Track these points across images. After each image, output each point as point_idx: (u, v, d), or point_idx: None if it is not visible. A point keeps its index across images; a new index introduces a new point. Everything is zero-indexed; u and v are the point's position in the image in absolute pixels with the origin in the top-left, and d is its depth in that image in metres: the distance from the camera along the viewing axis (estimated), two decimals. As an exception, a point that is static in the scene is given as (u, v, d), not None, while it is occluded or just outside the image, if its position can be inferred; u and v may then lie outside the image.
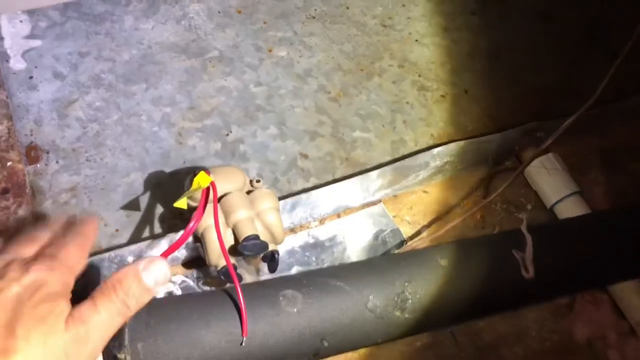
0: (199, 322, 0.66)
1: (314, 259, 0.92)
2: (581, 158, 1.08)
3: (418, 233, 0.95)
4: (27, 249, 0.50)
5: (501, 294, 0.77)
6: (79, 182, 0.94)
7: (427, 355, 0.87)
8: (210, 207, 0.76)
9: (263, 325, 0.67)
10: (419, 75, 1.13)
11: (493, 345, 0.90)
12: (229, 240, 0.79)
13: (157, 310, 0.66)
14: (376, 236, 0.95)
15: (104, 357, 0.62)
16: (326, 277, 0.73)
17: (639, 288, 0.91)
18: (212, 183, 0.76)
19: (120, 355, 0.62)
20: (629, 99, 1.11)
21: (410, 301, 0.72)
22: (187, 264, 0.89)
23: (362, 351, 0.86)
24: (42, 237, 0.52)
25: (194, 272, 0.88)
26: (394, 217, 0.98)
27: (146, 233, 0.89)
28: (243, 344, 0.65)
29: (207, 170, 0.78)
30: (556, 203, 0.98)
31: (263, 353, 0.67)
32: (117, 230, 0.90)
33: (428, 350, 0.88)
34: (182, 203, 0.76)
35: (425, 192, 1.01)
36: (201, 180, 0.76)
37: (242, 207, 0.79)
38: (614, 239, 0.84)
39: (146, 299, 0.51)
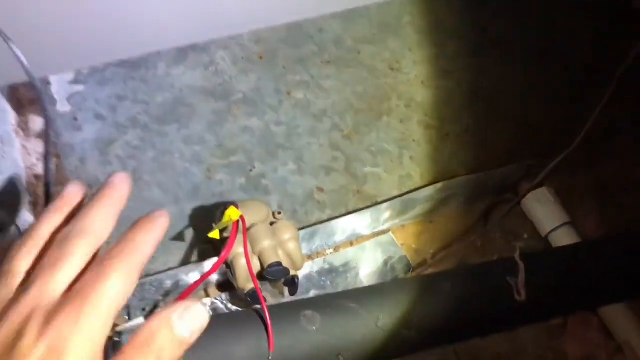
0: (231, 338, 0.76)
1: (329, 283, 1.02)
2: (575, 192, 1.17)
3: (424, 261, 1.05)
4: (58, 280, 0.37)
5: (497, 315, 0.87)
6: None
7: (432, 371, 0.97)
8: (239, 237, 0.87)
9: (286, 341, 0.77)
10: (425, 115, 1.24)
11: (492, 363, 0.99)
12: (255, 267, 0.89)
13: (196, 328, 0.77)
14: (385, 263, 1.05)
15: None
16: (341, 299, 0.83)
17: (625, 310, 1.00)
18: (242, 217, 0.87)
19: (165, 367, 0.72)
20: (618, 136, 1.20)
21: (415, 321, 0.82)
22: (218, 287, 0.99)
23: (373, 367, 0.95)
24: (82, 253, 0.39)
25: (222, 295, 0.99)
26: (401, 245, 1.08)
27: (180, 259, 1.00)
28: (270, 357, 0.75)
29: (236, 204, 0.89)
30: (550, 232, 1.08)
31: (286, 366, 0.77)
32: (154, 258, 1.01)
33: (433, 367, 0.97)
34: (215, 234, 0.87)
35: (430, 222, 1.11)
36: (232, 214, 0.87)
37: (266, 238, 0.90)
38: (601, 265, 0.93)
39: (181, 351, 0.42)
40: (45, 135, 0.74)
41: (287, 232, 0.91)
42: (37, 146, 1.09)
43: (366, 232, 1.07)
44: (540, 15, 1.42)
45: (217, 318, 0.85)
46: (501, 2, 1.44)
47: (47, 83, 1.19)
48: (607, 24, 1.41)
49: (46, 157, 0.75)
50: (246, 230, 0.88)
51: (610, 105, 1.14)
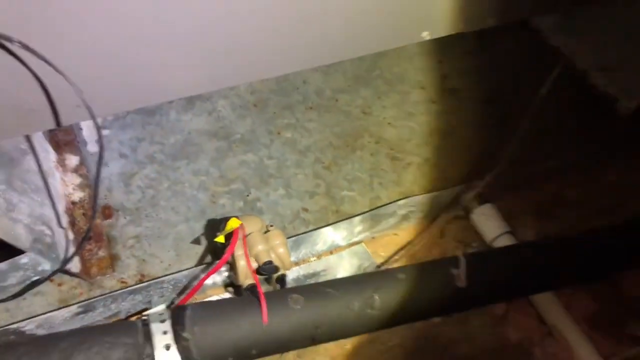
0: (235, 314, 0.99)
1: (313, 283, 1.25)
2: (516, 207, 1.42)
3: (387, 261, 1.28)
4: None
5: (443, 298, 1.10)
6: (141, 232, 1.29)
7: (397, 352, 1.18)
8: (239, 242, 1.11)
9: (276, 317, 1.00)
10: (391, 149, 1.49)
11: (447, 346, 1.20)
12: (253, 265, 1.13)
13: (208, 307, 1.00)
14: (359, 267, 1.29)
15: (173, 336, 0.94)
16: (321, 286, 1.06)
17: (554, 298, 1.22)
18: (241, 225, 1.11)
19: (184, 334, 0.95)
20: (551, 160, 1.45)
21: (378, 302, 1.05)
22: (224, 287, 1.22)
23: (349, 348, 1.17)
24: None
25: (226, 294, 1.21)
26: (372, 253, 1.31)
27: (191, 265, 1.23)
28: (264, 328, 0.98)
29: (236, 217, 1.13)
30: (493, 240, 1.31)
31: (277, 335, 1.00)
32: (169, 265, 1.24)
33: (398, 348, 1.19)
34: (220, 238, 1.11)
35: (395, 234, 1.35)
36: (233, 223, 1.11)
37: (261, 242, 1.13)
38: (530, 261, 1.17)
39: None
40: (98, 165, 0.97)
41: (277, 238, 1.15)
42: (73, 179, 1.34)
43: (343, 243, 1.31)
44: (486, 68, 1.71)
45: (225, 300, 1.08)
46: (455, 59, 1.73)
47: (79, 129, 1.45)
48: (543, 71, 1.69)
49: (96, 181, 0.99)
50: (245, 236, 1.12)
51: (547, 133, 1.40)
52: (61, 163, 1.36)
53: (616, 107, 1.65)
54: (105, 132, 1.45)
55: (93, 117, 0.90)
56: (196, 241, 1.27)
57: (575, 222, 1.41)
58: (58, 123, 0.99)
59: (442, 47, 1.76)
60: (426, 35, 1.21)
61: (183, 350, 0.94)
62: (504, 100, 1.63)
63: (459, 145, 1.52)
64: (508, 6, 1.26)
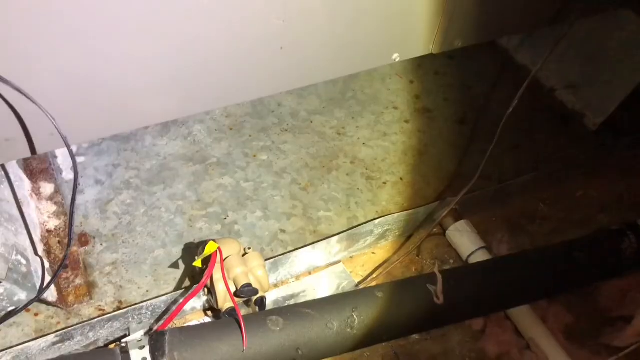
0: (214, 338, 0.99)
1: (292, 305, 1.25)
2: (489, 223, 1.45)
3: (366, 279, 1.29)
4: None
5: (422, 316, 1.11)
6: (118, 258, 1.28)
7: (378, 370, 1.19)
8: (217, 266, 1.11)
9: (256, 339, 1.00)
10: (366, 169, 1.51)
11: (427, 361, 1.22)
12: (231, 289, 1.13)
13: (187, 332, 0.99)
14: (338, 287, 1.29)
15: (152, 363, 0.94)
16: (300, 307, 1.07)
17: (530, 312, 1.24)
18: (219, 249, 1.12)
19: (164, 360, 0.94)
20: (523, 176, 1.49)
21: (357, 321, 1.06)
22: (204, 311, 1.21)
23: (329, 368, 1.17)
24: None
25: (206, 319, 1.21)
26: (350, 272, 1.32)
27: (169, 290, 1.23)
28: (244, 352, 0.98)
29: (214, 240, 1.14)
30: (469, 256, 1.33)
31: (258, 358, 0.99)
32: (147, 291, 1.23)
33: (378, 366, 1.19)
34: (198, 263, 1.11)
35: (373, 253, 1.37)
36: (210, 247, 1.12)
37: (239, 265, 1.13)
38: (506, 275, 1.19)
39: None
40: (73, 192, 0.97)
41: (255, 261, 1.16)
42: (48, 207, 1.33)
43: (321, 263, 1.32)
44: (457, 87, 1.75)
45: (203, 325, 1.08)
46: (426, 79, 1.77)
47: (54, 156, 1.44)
48: (511, 89, 1.74)
49: (71, 208, 0.99)
50: (223, 260, 1.13)
51: (517, 150, 1.44)
52: (36, 191, 1.35)
53: (583, 122, 1.71)
54: (80, 159, 1.45)
55: (67, 145, 0.90)
56: (174, 266, 1.27)
57: (548, 236, 1.45)
58: (32, 151, 0.99)
59: (414, 67, 1.80)
60: (396, 57, 1.24)
61: (162, 376, 0.94)
62: (475, 119, 1.67)
63: (432, 164, 1.54)
64: (474, 29, 1.30)
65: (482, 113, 1.68)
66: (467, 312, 1.17)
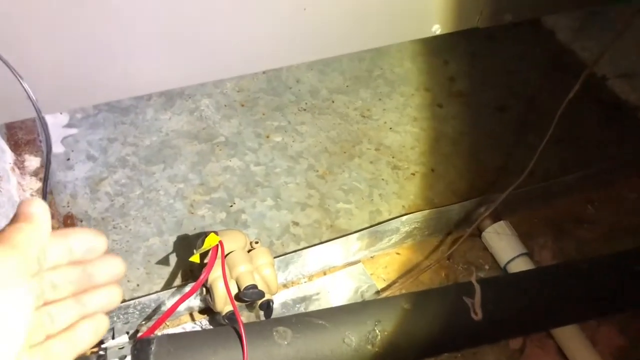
0: (208, 350, 0.83)
1: (303, 309, 1.09)
2: (531, 225, 1.27)
3: (390, 286, 1.12)
4: None
5: (455, 333, 0.94)
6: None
7: (399, 391, 1.02)
8: (217, 262, 0.95)
9: (259, 355, 0.84)
10: (393, 157, 1.34)
11: (455, 383, 1.05)
12: (233, 290, 0.96)
13: (176, 341, 0.83)
14: (356, 290, 1.13)
15: (134, 377, 0.78)
16: (311, 317, 0.90)
17: (578, 332, 1.07)
18: (220, 242, 0.95)
19: (147, 376, 0.78)
20: (569, 175, 1.31)
21: (379, 337, 0.89)
22: (199, 313, 1.05)
23: (343, 386, 1.01)
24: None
25: (202, 321, 1.05)
26: (371, 274, 1.15)
27: (163, 286, 1.07)
28: (244, 369, 0.82)
29: (216, 232, 0.97)
30: (508, 263, 1.16)
31: (260, 377, 0.83)
32: (137, 285, 1.08)
33: (400, 386, 1.03)
34: (195, 258, 0.95)
35: (397, 253, 1.20)
36: (211, 240, 0.95)
37: (243, 263, 0.97)
38: (552, 288, 1.02)
39: None
40: (45, 166, 0.82)
41: (263, 258, 0.99)
42: (32, 183, 1.17)
43: (338, 262, 1.15)
44: (496, 70, 1.57)
45: (197, 333, 0.92)
46: (462, 60, 1.59)
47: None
48: (552, 71, 1.56)
49: (44, 184, 0.83)
50: (224, 255, 0.96)
51: (561, 144, 1.26)
52: (19, 165, 1.19)
53: (638, 115, 1.52)
54: (72, 130, 1.29)
55: (37, 109, 0.74)
56: (170, 258, 1.11)
57: (597, 243, 1.27)
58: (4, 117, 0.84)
59: (449, 46, 1.61)
60: (437, 29, 1.07)
61: (145, 394, 0.78)
62: (517, 107, 1.48)
63: (468, 155, 1.37)
64: (529, 2, 1.12)
65: (524, 101, 1.50)
66: (508, 330, 1.00)
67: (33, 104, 0.74)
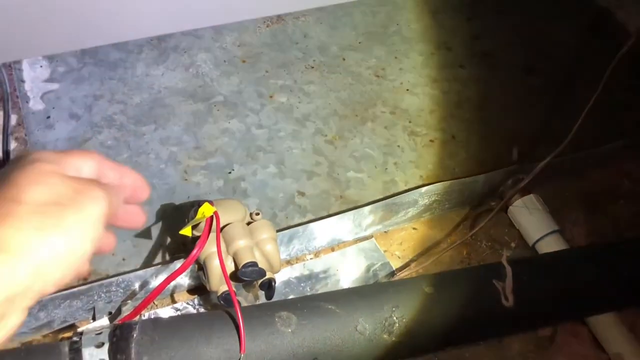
0: (200, 339, 0.71)
1: (308, 289, 0.98)
2: (562, 200, 1.14)
3: (407, 266, 1.00)
4: None
5: (483, 320, 0.83)
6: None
7: (415, 382, 0.91)
8: (212, 236, 0.83)
9: (259, 344, 0.72)
10: (410, 122, 1.21)
11: (478, 375, 0.94)
12: (230, 267, 0.85)
13: (162, 328, 0.72)
14: (367, 269, 1.01)
15: (111, 369, 0.67)
16: (319, 301, 0.78)
17: (616, 321, 0.96)
18: (215, 213, 0.83)
19: (127, 368, 0.67)
20: (604, 145, 1.18)
21: (397, 325, 0.77)
22: (190, 291, 0.94)
23: (352, 377, 0.90)
24: None
25: (195, 300, 0.94)
26: (384, 251, 1.03)
27: (151, 262, 0.95)
28: (242, 359, 0.70)
29: (210, 202, 0.85)
30: (537, 241, 1.04)
31: (259, 370, 0.72)
32: (123, 259, 0.96)
33: (416, 378, 0.92)
34: (187, 231, 0.83)
35: (414, 229, 1.08)
36: (205, 210, 0.83)
37: (242, 237, 0.85)
38: (590, 272, 0.90)
39: None
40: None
41: (264, 231, 0.87)
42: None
43: (348, 237, 1.03)
44: (525, 29, 1.42)
45: (186, 318, 0.80)
46: (488, 18, 1.44)
47: (21, 80, 1.15)
48: (589, 35, 1.41)
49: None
50: (220, 228, 0.84)
51: (595, 113, 1.13)
52: (-9, 122, 1.06)
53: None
54: (53, 85, 1.16)
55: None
56: (159, 230, 0.99)
57: (634, 220, 1.15)
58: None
59: (472, 2, 1.46)
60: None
61: (125, 389, 0.67)
62: (548, 71, 1.34)
63: (493, 121, 1.23)
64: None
65: (556, 65, 1.35)
66: (541, 318, 0.88)
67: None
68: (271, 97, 1.21)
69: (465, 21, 1.42)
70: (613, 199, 1.17)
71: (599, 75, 1.18)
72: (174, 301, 0.93)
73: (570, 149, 1.14)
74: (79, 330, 0.74)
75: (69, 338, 0.73)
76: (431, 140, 1.18)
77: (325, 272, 1.00)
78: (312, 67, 1.27)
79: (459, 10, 1.44)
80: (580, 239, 1.10)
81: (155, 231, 0.99)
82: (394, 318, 0.77)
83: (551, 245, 1.03)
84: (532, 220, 1.06)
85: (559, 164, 1.11)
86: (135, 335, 0.69)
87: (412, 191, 1.03)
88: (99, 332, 0.71)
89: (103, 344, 0.69)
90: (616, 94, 1.29)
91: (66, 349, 0.69)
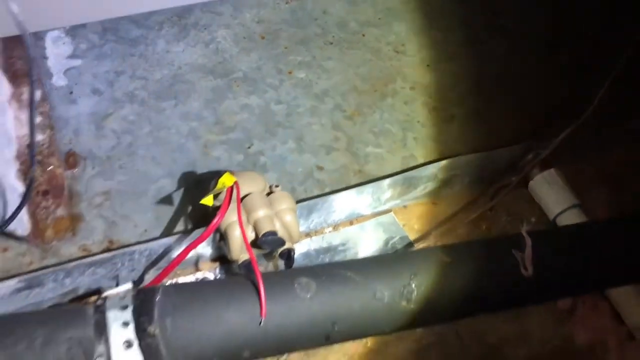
0: (221, 303, 0.72)
1: (327, 261, 0.98)
2: (583, 175, 1.13)
3: (425, 238, 1.01)
4: None
5: (501, 290, 0.83)
6: (113, 186, 1.02)
7: (433, 352, 0.92)
8: (233, 205, 0.84)
9: (279, 308, 0.73)
10: (430, 97, 1.20)
11: (497, 346, 0.94)
12: (250, 236, 0.86)
13: (184, 292, 0.73)
14: (386, 242, 1.01)
15: (135, 330, 0.68)
16: (338, 268, 0.79)
17: (637, 293, 0.95)
18: (236, 183, 0.84)
19: (151, 329, 0.68)
20: (628, 120, 1.17)
21: (415, 293, 0.78)
22: (213, 260, 0.95)
23: (371, 346, 0.91)
24: None
25: (216, 269, 0.95)
26: (403, 225, 1.04)
27: (173, 231, 0.97)
28: (261, 324, 0.71)
29: (231, 172, 0.86)
30: (558, 215, 1.04)
31: (279, 333, 0.73)
32: (145, 231, 0.97)
33: (434, 347, 0.92)
34: (208, 200, 0.84)
35: (434, 203, 1.08)
36: (226, 180, 0.84)
37: (262, 206, 0.86)
38: (610, 244, 0.89)
39: None
40: (29, 97, 0.70)
41: (284, 202, 0.88)
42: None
43: (367, 211, 1.04)
44: (545, 6, 1.40)
45: (208, 283, 0.81)
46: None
47: (44, 57, 1.17)
48: (613, 5, 1.39)
49: (31, 116, 0.72)
50: (240, 198, 0.85)
51: (618, 87, 1.11)
52: (17, 98, 1.08)
53: None
54: (76, 62, 1.17)
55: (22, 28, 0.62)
56: (180, 202, 1.00)
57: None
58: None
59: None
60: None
61: (148, 349, 0.68)
62: (569, 46, 1.32)
63: (514, 96, 1.22)
64: None
65: (577, 40, 1.33)
66: (561, 289, 0.87)
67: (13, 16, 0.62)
68: (290, 73, 1.21)
69: (486, -3, 1.41)
70: (635, 175, 1.15)
71: (621, 51, 1.16)
72: (198, 269, 0.94)
73: (592, 124, 1.12)
74: (104, 295, 0.76)
75: (94, 302, 0.75)
76: (451, 116, 1.18)
77: (344, 244, 1.01)
78: (331, 43, 1.27)
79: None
80: (600, 214, 1.09)
81: (176, 203, 1.00)
82: (413, 286, 0.78)
83: (571, 219, 1.02)
84: (552, 195, 1.05)
85: (580, 139, 1.10)
86: (158, 298, 0.71)
87: (431, 164, 1.04)
88: (123, 296, 0.72)
89: (127, 306, 0.70)
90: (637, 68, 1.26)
91: (91, 310, 0.70)
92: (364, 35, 1.29)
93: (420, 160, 1.11)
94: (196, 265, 0.95)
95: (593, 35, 1.34)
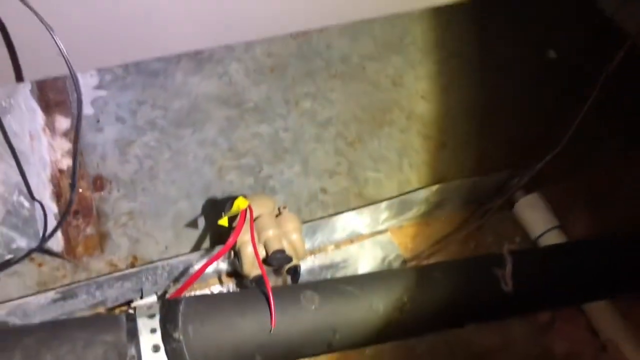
0: (236, 313, 0.83)
1: (329, 276, 1.09)
2: (565, 197, 1.24)
3: (418, 256, 1.11)
4: None
5: (485, 303, 0.93)
6: (136, 207, 1.13)
7: (424, 360, 1.02)
8: (246, 226, 0.94)
9: (287, 318, 0.84)
10: (424, 126, 1.31)
11: (482, 354, 1.04)
12: (261, 254, 0.96)
13: (204, 302, 0.84)
14: (383, 260, 1.12)
15: (162, 336, 0.79)
16: (340, 283, 0.90)
17: (611, 308, 1.05)
18: (249, 206, 0.95)
19: (175, 335, 0.79)
20: (606, 144, 1.26)
21: (408, 305, 0.88)
22: (227, 276, 1.06)
23: (369, 354, 1.01)
24: None
25: (229, 284, 1.05)
26: (398, 244, 1.14)
27: (191, 248, 1.07)
28: (272, 332, 0.82)
29: (245, 196, 0.97)
30: (539, 236, 1.14)
31: (286, 340, 0.83)
32: (166, 247, 1.08)
33: (426, 356, 1.02)
34: (224, 221, 0.95)
35: (426, 224, 1.18)
36: (240, 203, 0.95)
37: (271, 227, 0.97)
38: (585, 263, 0.99)
39: None
40: (75, 130, 0.81)
41: (290, 223, 0.99)
42: (62, 144, 1.18)
43: (365, 231, 1.14)
44: (533, 39, 1.51)
45: (224, 295, 0.92)
46: (500, 27, 1.53)
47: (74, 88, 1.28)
48: (592, 41, 1.49)
49: (75, 140, 0.83)
50: (253, 219, 0.96)
51: (594, 114, 1.21)
52: (50, 126, 1.19)
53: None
54: (101, 92, 1.28)
55: (70, 68, 0.73)
56: (198, 221, 1.11)
57: (634, 215, 1.23)
58: (32, 75, 0.83)
59: (485, 14, 1.56)
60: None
61: (173, 353, 0.79)
62: (555, 77, 1.43)
63: (502, 125, 1.33)
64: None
65: (564, 72, 1.44)
66: (539, 303, 0.98)
67: (65, 59, 0.73)
68: (297, 103, 1.32)
69: (480, 30, 1.52)
70: (614, 196, 1.25)
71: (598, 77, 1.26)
72: (218, 282, 1.05)
73: (571, 150, 1.23)
74: (133, 305, 0.86)
75: (125, 311, 0.85)
76: (443, 144, 1.29)
77: (345, 261, 1.11)
78: (335, 76, 1.38)
79: (472, 21, 1.53)
80: (581, 234, 1.19)
81: (194, 223, 1.11)
82: (406, 299, 0.88)
83: (552, 240, 1.13)
84: (535, 217, 1.16)
85: (560, 164, 1.20)
86: (181, 307, 0.81)
87: (425, 189, 1.14)
88: (150, 306, 0.83)
89: (154, 315, 0.81)
90: (617, 95, 1.37)
91: (124, 318, 0.81)
92: (364, 68, 1.40)
93: (415, 184, 1.21)
94: (219, 278, 1.05)
95: (575, 68, 1.45)
